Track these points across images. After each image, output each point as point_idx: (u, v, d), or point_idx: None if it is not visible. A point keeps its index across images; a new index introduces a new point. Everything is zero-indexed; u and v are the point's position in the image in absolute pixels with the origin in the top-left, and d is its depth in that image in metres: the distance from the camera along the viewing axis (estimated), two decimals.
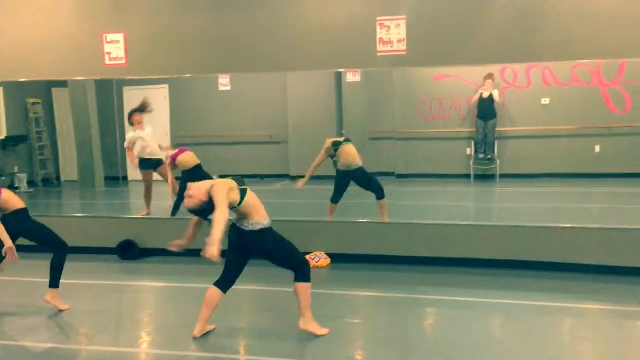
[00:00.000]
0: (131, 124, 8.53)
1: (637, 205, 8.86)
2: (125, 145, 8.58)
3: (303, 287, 4.38)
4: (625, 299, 5.24)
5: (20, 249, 4.92)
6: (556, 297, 5.35)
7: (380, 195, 7.33)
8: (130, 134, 8.56)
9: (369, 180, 7.41)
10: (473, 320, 4.84)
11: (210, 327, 4.51)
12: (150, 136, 8.50)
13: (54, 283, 5.10)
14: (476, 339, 4.41)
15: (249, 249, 4.41)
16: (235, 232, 4.38)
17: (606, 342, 4.41)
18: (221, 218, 4.00)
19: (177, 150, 8.02)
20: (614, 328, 4.69)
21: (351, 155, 7.38)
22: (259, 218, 4.34)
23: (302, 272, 4.39)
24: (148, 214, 8.30)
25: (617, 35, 5.64)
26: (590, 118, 11.16)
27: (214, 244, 3.91)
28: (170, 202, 7.94)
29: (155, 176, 8.54)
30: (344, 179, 7.41)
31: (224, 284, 4.44)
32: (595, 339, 4.46)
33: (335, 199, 7.48)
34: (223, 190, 4.13)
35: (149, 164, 8.47)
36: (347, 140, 7.56)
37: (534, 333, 4.49)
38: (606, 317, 4.92)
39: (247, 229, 4.30)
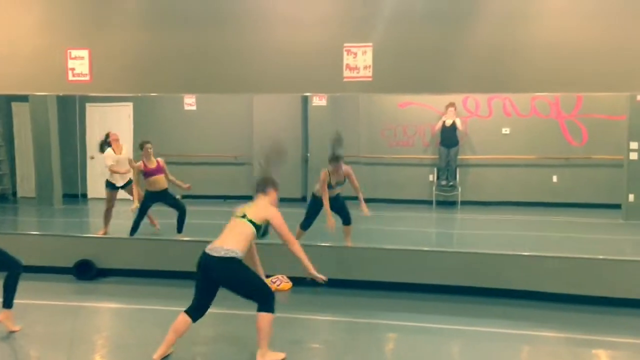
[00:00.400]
0: (108, 144, 8.65)
1: (592, 234, 9.09)
2: (109, 164, 8.55)
3: (266, 317, 4.29)
4: (580, 326, 5.34)
5: None
6: (514, 324, 5.42)
7: (347, 221, 7.43)
8: (109, 152, 8.60)
9: (342, 206, 7.46)
10: (433, 345, 4.86)
11: (169, 350, 4.43)
12: (125, 158, 8.62)
13: (7, 303, 4.93)
14: None
15: (214, 277, 4.32)
16: (203, 259, 4.33)
17: None
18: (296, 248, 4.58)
19: (155, 166, 8.07)
20: (570, 356, 4.77)
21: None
22: (237, 246, 4.32)
23: (268, 303, 4.31)
24: (105, 233, 8.18)
25: (576, 69, 5.83)
26: (548, 148, 11.47)
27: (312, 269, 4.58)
28: (135, 204, 8.00)
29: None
30: (318, 205, 7.36)
31: (195, 312, 4.36)
32: None
33: (305, 225, 7.45)
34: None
35: (117, 186, 8.55)
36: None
37: (493, 359, 4.53)
38: (562, 345, 5.00)
39: (217, 255, 4.25)
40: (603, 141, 11.14)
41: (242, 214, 4.48)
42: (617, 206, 10.05)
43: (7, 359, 4.55)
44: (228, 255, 4.23)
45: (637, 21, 5.68)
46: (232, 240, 4.32)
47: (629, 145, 9.84)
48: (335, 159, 7.25)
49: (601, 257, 6.19)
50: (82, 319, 5.70)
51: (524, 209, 11.02)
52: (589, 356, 4.81)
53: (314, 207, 7.46)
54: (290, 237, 4.53)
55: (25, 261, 7.12)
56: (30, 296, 6.09)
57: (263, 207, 4.54)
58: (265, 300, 4.31)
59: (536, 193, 11.48)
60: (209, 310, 4.43)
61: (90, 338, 5.09)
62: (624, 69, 5.69)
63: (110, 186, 8.53)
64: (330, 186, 7.29)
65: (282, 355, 4.41)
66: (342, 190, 7.58)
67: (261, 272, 4.74)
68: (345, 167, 7.33)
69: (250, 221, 4.40)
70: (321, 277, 4.62)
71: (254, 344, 4.43)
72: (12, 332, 4.93)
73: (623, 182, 9.98)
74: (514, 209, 11.07)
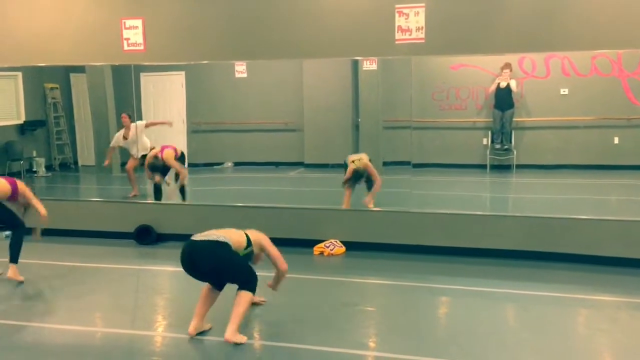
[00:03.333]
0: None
1: None
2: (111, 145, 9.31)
3: (247, 295, 4.15)
4: None
5: None
6: (572, 288, 5.33)
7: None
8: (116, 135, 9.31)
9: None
10: (487, 309, 4.83)
11: (207, 326, 4.35)
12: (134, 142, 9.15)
13: (14, 259, 5.52)
14: (490, 328, 4.41)
15: (198, 263, 4.17)
16: (188, 247, 4.21)
17: (621, 333, 4.39)
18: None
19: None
20: (629, 319, 4.66)
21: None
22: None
23: (251, 283, 4.20)
24: (135, 195, 8.72)
25: (637, 24, 5.55)
26: (609, 109, 11.02)
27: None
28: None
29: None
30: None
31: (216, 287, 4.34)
32: (611, 330, 4.44)
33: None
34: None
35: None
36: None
37: (549, 324, 4.48)
38: (622, 309, 4.89)
39: (205, 239, 4.19)
40: None
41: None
42: None
43: (75, 318, 4.77)
44: (220, 240, 4.16)
45: None
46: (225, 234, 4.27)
47: None
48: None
49: None
50: (144, 281, 5.93)
51: (584, 172, 10.68)
52: None
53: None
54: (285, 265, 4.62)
55: (88, 226, 7.46)
56: (94, 260, 6.38)
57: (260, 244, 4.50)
58: (250, 280, 4.20)
59: (596, 155, 11.09)
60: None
61: (152, 300, 5.29)
62: None
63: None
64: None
65: (245, 339, 4.16)
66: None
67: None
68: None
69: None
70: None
71: (308, 301, 4.50)
72: (20, 282, 5.48)
73: None
74: (573, 172, 10.75)
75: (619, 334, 4.39)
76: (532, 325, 4.49)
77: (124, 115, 9.30)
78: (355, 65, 11.67)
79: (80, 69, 11.89)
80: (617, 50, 8.98)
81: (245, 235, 4.34)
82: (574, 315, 4.80)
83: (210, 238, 4.17)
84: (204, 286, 4.31)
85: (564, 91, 11.28)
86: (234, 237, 4.25)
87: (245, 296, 4.13)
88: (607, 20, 5.62)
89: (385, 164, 8.46)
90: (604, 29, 5.66)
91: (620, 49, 8.31)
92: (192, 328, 4.22)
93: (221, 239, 4.16)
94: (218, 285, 4.32)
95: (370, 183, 7.60)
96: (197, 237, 4.25)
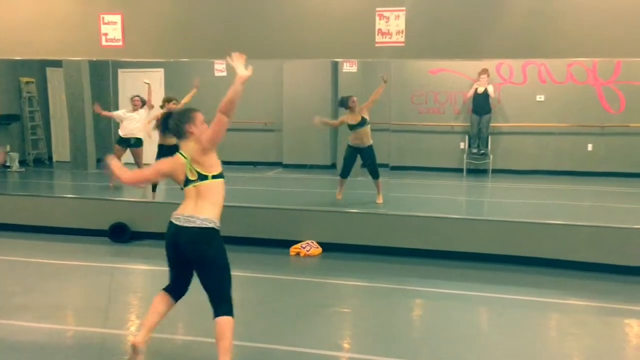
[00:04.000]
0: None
1: (626, 204, 8.93)
2: (111, 114, 9.53)
3: (228, 323, 3.49)
4: (611, 295, 5.30)
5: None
6: (544, 292, 5.40)
7: (375, 175, 8.17)
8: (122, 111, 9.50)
9: (371, 160, 8.23)
10: (460, 312, 4.88)
11: (150, 334, 3.69)
12: (138, 119, 9.31)
13: None
14: (463, 331, 4.46)
15: (183, 254, 3.54)
16: (172, 230, 3.55)
17: (592, 337, 4.46)
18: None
19: None
20: (599, 324, 4.74)
21: (367, 135, 8.29)
22: (213, 215, 3.53)
23: (227, 302, 3.55)
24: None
25: (613, 34, 5.66)
26: (584, 116, 11.21)
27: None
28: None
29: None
30: (354, 154, 8.32)
31: (173, 291, 3.75)
32: (581, 334, 4.51)
33: (344, 173, 8.27)
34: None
35: (126, 142, 9.37)
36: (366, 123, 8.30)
37: (521, 327, 4.54)
38: (592, 314, 4.97)
39: (188, 225, 3.46)
40: None
41: (194, 177, 3.52)
42: None
43: (46, 316, 4.70)
44: (205, 225, 3.48)
45: None
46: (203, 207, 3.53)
47: None
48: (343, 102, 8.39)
49: (636, 226, 6.09)
50: (117, 280, 5.87)
51: (558, 178, 10.85)
52: (620, 325, 4.78)
53: (351, 157, 8.32)
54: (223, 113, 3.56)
55: (62, 223, 7.36)
56: (67, 257, 6.30)
57: (194, 149, 3.52)
58: (226, 296, 3.57)
59: (570, 162, 11.28)
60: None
61: (125, 298, 5.24)
62: None
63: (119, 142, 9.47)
64: (351, 127, 8.25)
65: None
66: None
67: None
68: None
69: (213, 176, 3.53)
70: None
71: (283, 301, 4.49)
72: None
73: None
74: (547, 178, 10.92)
75: (588, 338, 4.46)
76: (504, 329, 4.55)
77: (136, 99, 9.61)
78: (336, 66, 11.71)
79: (57, 63, 11.74)
80: (593, 58, 9.14)
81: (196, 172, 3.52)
82: (545, 318, 4.87)
83: (196, 224, 3.46)
84: (158, 295, 3.74)
85: (540, 97, 11.44)
86: (209, 198, 3.53)
87: (228, 324, 3.48)
88: (583, 29, 5.72)
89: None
90: (581, 37, 5.75)
91: (596, 58, 8.46)
92: (140, 340, 3.56)
93: (206, 223, 3.48)
94: (182, 287, 3.75)
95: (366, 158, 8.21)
96: (181, 220, 3.51)
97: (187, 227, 3.48)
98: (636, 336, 4.61)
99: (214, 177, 3.53)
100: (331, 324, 4.60)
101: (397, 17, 6.03)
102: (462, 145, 11.79)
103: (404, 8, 6.04)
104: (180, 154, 3.59)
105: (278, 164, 12.47)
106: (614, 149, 11.06)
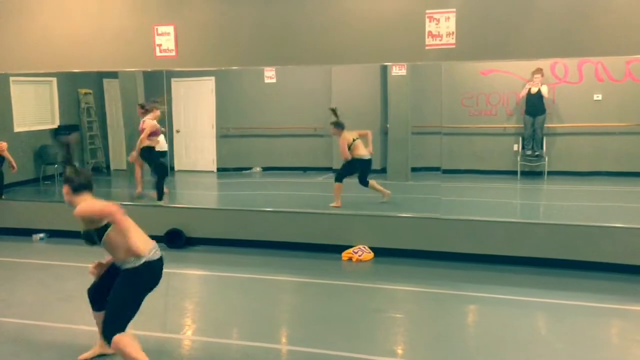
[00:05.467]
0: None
1: None
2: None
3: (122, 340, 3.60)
4: None
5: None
6: (606, 298, 5.22)
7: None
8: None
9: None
10: (519, 319, 4.76)
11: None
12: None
13: None
14: (521, 338, 4.34)
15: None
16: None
17: None
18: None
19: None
20: None
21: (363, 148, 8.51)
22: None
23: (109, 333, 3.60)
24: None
25: None
26: None
27: None
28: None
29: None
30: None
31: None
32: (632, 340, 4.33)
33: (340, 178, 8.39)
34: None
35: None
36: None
37: (583, 334, 4.39)
38: None
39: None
40: None
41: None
42: None
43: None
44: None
45: None
46: None
47: None
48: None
49: None
50: (173, 285, 5.98)
51: (618, 180, 10.47)
52: None
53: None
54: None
55: None
56: None
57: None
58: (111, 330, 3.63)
59: (631, 162, 10.85)
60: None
61: (181, 303, 5.34)
62: None
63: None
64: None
65: None
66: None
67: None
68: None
69: None
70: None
71: (327, 305, 4.46)
72: None
73: None
74: (606, 180, 10.55)
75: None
76: (565, 336, 4.41)
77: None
78: (385, 70, 11.65)
79: (113, 75, 12.11)
80: None
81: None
82: (607, 325, 4.70)
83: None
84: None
85: (598, 97, 11.07)
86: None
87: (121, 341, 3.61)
88: (635, 24, 5.51)
89: (414, 169, 8.43)
90: (637, 34, 5.54)
91: None
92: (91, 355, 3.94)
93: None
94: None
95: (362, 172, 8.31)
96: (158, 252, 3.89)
97: None
98: None
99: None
100: (385, 329, 4.56)
101: (447, 18, 5.96)
102: (515, 147, 11.52)
103: (454, 9, 5.96)
104: None
105: (328, 169, 12.49)
106: None
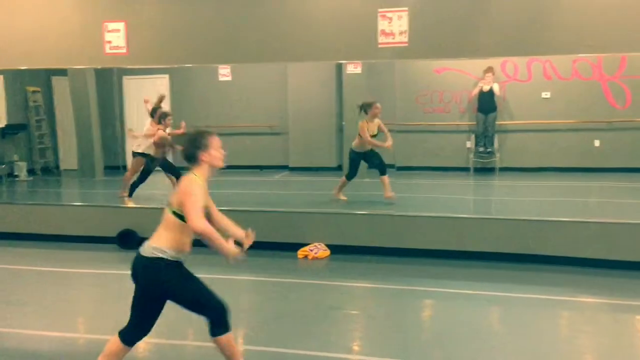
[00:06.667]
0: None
1: (636, 199, 8.87)
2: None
3: (225, 339, 3.44)
4: (622, 292, 5.27)
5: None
6: (554, 290, 5.37)
7: (382, 171, 8.04)
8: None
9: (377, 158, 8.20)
10: (471, 312, 4.86)
11: None
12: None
13: None
14: (474, 331, 4.43)
15: (140, 283, 3.46)
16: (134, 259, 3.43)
17: (603, 335, 4.43)
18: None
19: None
20: (611, 321, 4.71)
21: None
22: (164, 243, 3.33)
23: (221, 319, 3.45)
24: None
25: (618, 29, 5.63)
26: (590, 112, 11.17)
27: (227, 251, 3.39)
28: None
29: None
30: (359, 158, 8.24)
31: (129, 335, 3.56)
32: (592, 332, 4.48)
33: (350, 176, 8.20)
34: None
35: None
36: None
37: (533, 326, 4.51)
38: (603, 311, 4.94)
39: (143, 254, 3.37)
40: None
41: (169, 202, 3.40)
42: None
43: (56, 324, 4.72)
44: (153, 255, 3.32)
45: None
46: (159, 235, 3.36)
47: None
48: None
49: None
50: (126, 286, 5.86)
51: (565, 175, 10.81)
52: (631, 322, 4.74)
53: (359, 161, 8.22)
54: (196, 223, 3.22)
55: (70, 231, 7.36)
56: (76, 265, 6.31)
57: (182, 188, 3.31)
58: (215, 315, 3.44)
59: (578, 158, 11.24)
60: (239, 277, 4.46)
61: None
62: None
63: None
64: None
65: None
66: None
67: (239, 235, 3.71)
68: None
69: (173, 211, 3.32)
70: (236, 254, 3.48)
71: (293, 302, 4.47)
72: None
73: None
74: (554, 175, 10.88)
75: (601, 335, 4.43)
76: (516, 327, 4.52)
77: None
78: (340, 69, 11.72)
79: (62, 72, 11.81)
80: (598, 54, 9.10)
81: (171, 213, 3.38)
82: (556, 317, 4.84)
83: (146, 253, 3.42)
84: (111, 340, 3.59)
85: (546, 94, 11.40)
86: (166, 232, 3.41)
87: (225, 340, 3.48)
88: (588, 25, 5.69)
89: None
90: (585, 33, 5.72)
91: (601, 53, 8.43)
92: None
93: (156, 253, 3.39)
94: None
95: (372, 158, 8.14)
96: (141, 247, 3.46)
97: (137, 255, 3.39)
98: None
99: (173, 211, 3.33)
100: (341, 326, 4.59)
101: (400, 17, 6.02)
102: (468, 144, 11.76)
103: (406, 8, 6.03)
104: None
105: (284, 167, 12.48)
106: (621, 145, 11.01)
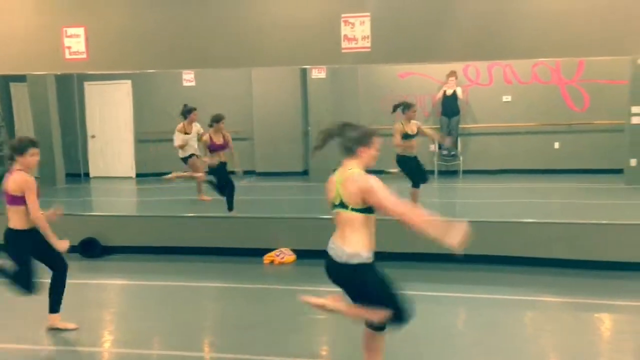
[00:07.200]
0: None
1: (595, 200, 9.10)
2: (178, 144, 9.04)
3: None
4: (583, 291, 5.39)
5: None
6: (518, 290, 5.47)
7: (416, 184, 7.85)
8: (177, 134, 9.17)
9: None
10: (437, 313, 4.90)
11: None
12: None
13: (54, 308, 4.66)
14: (441, 332, 4.48)
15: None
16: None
17: (565, 333, 4.52)
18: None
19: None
20: (572, 320, 4.81)
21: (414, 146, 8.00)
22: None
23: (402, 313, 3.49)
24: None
25: (574, 34, 5.77)
26: (550, 115, 11.42)
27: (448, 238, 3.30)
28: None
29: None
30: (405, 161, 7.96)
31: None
32: (555, 330, 4.57)
33: (416, 182, 7.90)
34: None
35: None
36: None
37: (498, 326, 4.59)
38: (565, 310, 5.04)
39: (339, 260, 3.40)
40: (605, 106, 11.07)
41: (337, 201, 3.39)
42: (620, 171, 10.04)
43: (21, 335, 4.60)
44: (354, 262, 3.39)
45: None
46: (349, 240, 3.40)
47: (630, 109, 9.78)
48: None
49: (604, 221, 6.21)
50: (89, 296, 5.76)
51: (527, 177, 11.02)
52: (592, 320, 4.85)
53: (407, 165, 7.93)
54: (400, 209, 3.32)
55: None
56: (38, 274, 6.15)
57: (358, 185, 3.29)
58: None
59: (538, 160, 11.47)
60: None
61: (97, 314, 5.15)
62: (625, 32, 5.63)
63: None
64: (408, 136, 7.80)
65: None
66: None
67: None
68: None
69: (353, 209, 3.33)
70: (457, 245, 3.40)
71: (255, 309, 4.44)
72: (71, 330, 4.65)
73: (625, 147, 9.95)
74: (516, 177, 11.08)
75: (562, 333, 4.52)
76: (482, 328, 4.59)
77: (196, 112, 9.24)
78: (304, 73, 11.73)
79: (21, 79, 11.54)
80: (556, 58, 9.32)
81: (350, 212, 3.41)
82: (521, 316, 4.92)
83: (342, 259, 3.49)
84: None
85: (507, 98, 11.61)
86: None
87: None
88: (546, 31, 5.81)
89: (335, 170, 8.51)
90: (543, 38, 5.85)
91: (558, 58, 8.63)
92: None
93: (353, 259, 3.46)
94: None
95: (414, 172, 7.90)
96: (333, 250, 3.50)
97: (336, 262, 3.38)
98: (607, 330, 4.70)
99: (353, 209, 3.33)
100: (308, 332, 4.59)
101: (362, 22, 6.07)
102: (432, 147, 11.89)
103: (368, 14, 6.07)
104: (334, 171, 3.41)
105: (251, 172, 12.42)
106: (580, 147, 11.28)
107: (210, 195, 8.54)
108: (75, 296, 5.65)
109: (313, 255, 6.51)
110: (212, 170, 8.18)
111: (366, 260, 3.39)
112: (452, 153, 11.62)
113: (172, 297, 5.49)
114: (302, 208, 7.97)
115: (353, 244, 3.35)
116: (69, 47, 6.62)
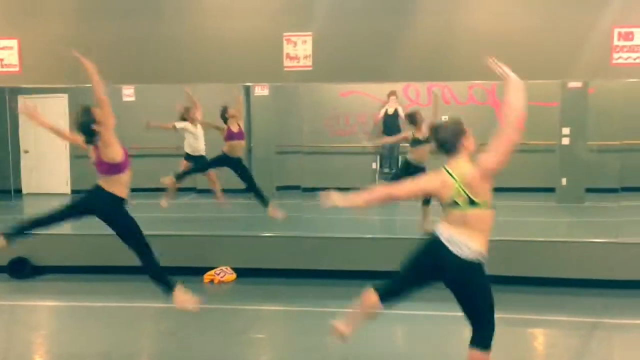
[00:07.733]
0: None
1: (528, 217, 9.40)
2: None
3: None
4: (517, 307, 5.53)
5: None
6: (451, 306, 5.54)
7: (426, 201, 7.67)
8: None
9: None
10: (377, 331, 4.92)
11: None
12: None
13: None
14: (380, 349, 4.51)
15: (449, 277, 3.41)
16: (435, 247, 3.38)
17: (499, 349, 4.62)
18: None
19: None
20: (506, 335, 4.92)
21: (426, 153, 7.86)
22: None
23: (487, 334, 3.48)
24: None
25: (508, 58, 5.93)
26: (485, 135, 11.68)
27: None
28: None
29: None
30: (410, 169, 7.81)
31: (386, 294, 3.69)
32: (495, 346, 4.66)
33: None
34: None
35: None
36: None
37: (437, 342, 4.65)
38: (500, 325, 5.15)
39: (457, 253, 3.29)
40: (537, 127, 11.45)
41: (461, 200, 3.34)
42: (552, 190, 10.42)
43: None
44: (476, 260, 3.38)
45: (565, 9, 5.90)
46: (476, 238, 3.37)
47: (561, 131, 10.22)
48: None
49: (538, 239, 6.42)
50: (18, 318, 5.51)
51: None
52: (525, 335, 4.99)
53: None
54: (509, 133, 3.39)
55: None
56: None
57: (472, 175, 3.33)
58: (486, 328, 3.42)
59: None
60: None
61: (27, 338, 4.93)
62: (555, 57, 5.91)
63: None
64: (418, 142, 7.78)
65: None
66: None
67: None
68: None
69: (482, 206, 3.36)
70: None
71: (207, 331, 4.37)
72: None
73: (556, 166, 10.35)
74: None
75: (496, 349, 4.61)
76: (422, 345, 4.65)
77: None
78: (248, 91, 11.70)
79: None
80: (489, 81, 9.63)
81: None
82: (459, 332, 4.98)
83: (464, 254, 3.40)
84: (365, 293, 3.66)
85: (445, 118, 11.87)
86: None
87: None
88: (481, 54, 6.00)
89: (278, 188, 8.51)
90: (478, 62, 6.03)
91: (491, 81, 8.92)
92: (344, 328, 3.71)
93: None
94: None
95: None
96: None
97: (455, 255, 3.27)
98: (540, 344, 4.84)
99: (483, 207, 3.32)
100: (247, 351, 4.53)
101: (304, 41, 6.12)
102: (374, 165, 12.04)
103: (310, 33, 6.14)
104: (447, 171, 3.33)
105: (191, 189, 12.23)
106: (517, 166, 11.55)
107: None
108: (4, 318, 5.41)
109: (254, 274, 6.47)
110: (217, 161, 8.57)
111: (484, 261, 3.32)
112: (394, 171, 11.79)
113: (106, 319, 5.32)
114: (244, 226, 7.90)
115: (478, 241, 3.33)
116: (1, 60, 6.40)
